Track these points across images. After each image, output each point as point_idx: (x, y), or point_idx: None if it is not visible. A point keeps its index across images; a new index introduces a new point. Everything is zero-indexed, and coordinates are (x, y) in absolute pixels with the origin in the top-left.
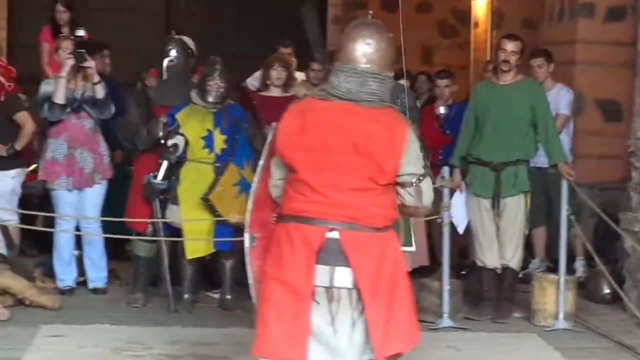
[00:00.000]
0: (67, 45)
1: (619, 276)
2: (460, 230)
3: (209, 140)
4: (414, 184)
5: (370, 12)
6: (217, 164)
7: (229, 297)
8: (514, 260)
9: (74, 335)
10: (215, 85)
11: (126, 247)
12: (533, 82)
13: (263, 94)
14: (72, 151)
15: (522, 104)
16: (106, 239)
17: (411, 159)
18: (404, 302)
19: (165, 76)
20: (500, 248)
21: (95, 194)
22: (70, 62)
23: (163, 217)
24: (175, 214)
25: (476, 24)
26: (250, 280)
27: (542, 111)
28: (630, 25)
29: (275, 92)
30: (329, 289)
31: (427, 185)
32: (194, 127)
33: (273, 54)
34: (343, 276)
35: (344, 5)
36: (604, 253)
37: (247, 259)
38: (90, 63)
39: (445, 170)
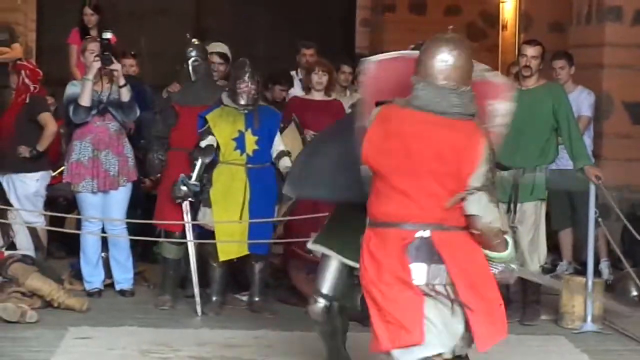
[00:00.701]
0: (93, 47)
1: None
2: None
3: (240, 142)
4: (466, 196)
5: (451, 26)
6: (250, 165)
7: (257, 299)
8: (533, 265)
9: (102, 337)
10: (247, 87)
11: (154, 249)
12: (555, 86)
13: (305, 97)
14: (97, 153)
15: (545, 109)
16: (134, 241)
17: (480, 173)
18: (494, 293)
19: (193, 77)
20: (521, 254)
21: (120, 197)
22: (96, 64)
23: (193, 219)
24: (207, 217)
25: (504, 27)
26: None
27: (565, 115)
28: None
29: (317, 95)
30: (425, 285)
31: (479, 199)
32: (225, 129)
33: (296, 55)
34: (438, 273)
35: (372, 8)
36: (631, 256)
37: None
38: (117, 66)
39: None
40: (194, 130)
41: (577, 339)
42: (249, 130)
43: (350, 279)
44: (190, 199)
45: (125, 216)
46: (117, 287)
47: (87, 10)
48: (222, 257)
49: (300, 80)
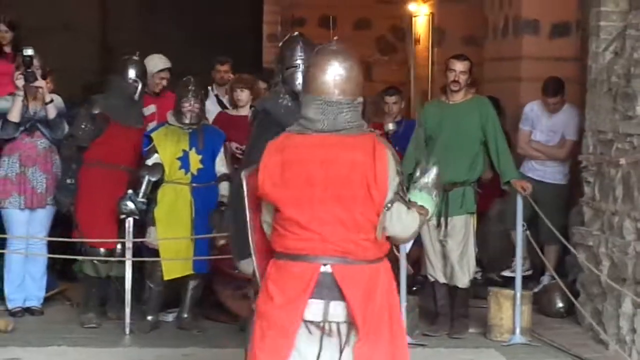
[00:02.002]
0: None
1: (570, 290)
2: (407, 248)
3: (184, 161)
4: (386, 209)
5: (335, 37)
6: (194, 184)
7: (186, 316)
8: (463, 279)
9: (32, 357)
10: (190, 106)
11: (74, 267)
12: (482, 100)
13: (231, 113)
14: (25, 170)
15: (472, 123)
16: (54, 259)
17: (391, 185)
18: (398, 332)
19: (137, 97)
20: (448, 267)
21: (46, 215)
22: (20, 82)
23: (135, 237)
24: (152, 235)
25: (417, 41)
26: None
27: (493, 129)
28: (575, 40)
29: (242, 111)
30: (322, 323)
31: (397, 210)
32: (170, 148)
33: (211, 71)
34: (337, 310)
35: (282, 23)
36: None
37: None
38: (40, 83)
39: None
40: (122, 147)
41: (507, 351)
42: (193, 150)
43: None
44: (135, 216)
45: (48, 234)
46: (27, 304)
47: (2, 27)
48: (167, 276)
49: (216, 95)
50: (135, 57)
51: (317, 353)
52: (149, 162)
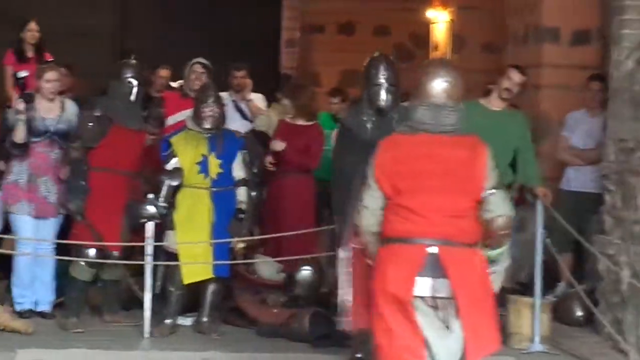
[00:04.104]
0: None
1: (590, 298)
2: None
3: (204, 166)
4: (488, 196)
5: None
6: (214, 189)
7: (205, 320)
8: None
9: (52, 359)
10: (211, 111)
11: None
12: (519, 114)
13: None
14: (35, 179)
15: (511, 133)
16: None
17: (492, 178)
18: (491, 309)
19: (133, 98)
20: None
21: (55, 223)
22: (21, 105)
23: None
24: (171, 239)
25: (436, 47)
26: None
27: (526, 141)
28: (596, 48)
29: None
30: (430, 298)
31: (500, 197)
32: (189, 153)
33: (228, 77)
34: (443, 286)
35: (301, 29)
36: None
37: None
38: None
39: None
40: (125, 151)
41: (525, 359)
42: (213, 154)
43: None
44: (156, 220)
45: (56, 238)
46: (39, 309)
47: (33, 26)
48: (186, 280)
49: (233, 101)
50: (131, 60)
51: (429, 324)
52: (168, 166)
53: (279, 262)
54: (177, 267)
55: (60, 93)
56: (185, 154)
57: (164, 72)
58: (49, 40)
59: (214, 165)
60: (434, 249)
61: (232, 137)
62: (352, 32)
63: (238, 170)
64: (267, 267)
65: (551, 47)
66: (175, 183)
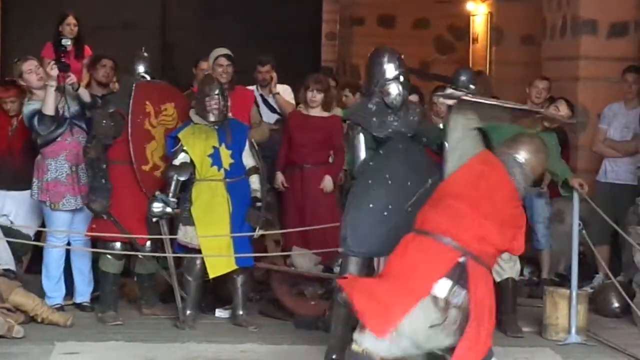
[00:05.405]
0: (29, 66)
1: (626, 290)
2: None
3: (216, 157)
4: None
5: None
6: (228, 180)
7: (241, 312)
8: (512, 271)
9: (90, 352)
10: (217, 104)
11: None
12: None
13: (304, 112)
14: (75, 169)
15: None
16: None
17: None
18: (491, 325)
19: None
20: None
21: (88, 214)
22: (54, 71)
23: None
24: (189, 234)
25: (475, 40)
26: None
27: (554, 141)
28: (633, 40)
29: (313, 112)
30: (444, 299)
31: None
32: (199, 146)
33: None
34: (460, 294)
35: (340, 21)
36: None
37: None
38: (72, 78)
39: None
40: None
41: (562, 350)
42: (223, 145)
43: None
44: (168, 217)
45: (87, 229)
46: (78, 300)
47: (71, 20)
48: (212, 274)
49: (261, 95)
50: (142, 53)
51: (433, 323)
52: (176, 162)
53: (316, 254)
54: (194, 258)
55: (106, 85)
56: (195, 148)
57: (205, 65)
58: (92, 34)
59: (226, 156)
60: (464, 259)
61: (238, 126)
62: (392, 25)
63: (248, 158)
64: (304, 260)
65: (589, 39)
66: (183, 178)
